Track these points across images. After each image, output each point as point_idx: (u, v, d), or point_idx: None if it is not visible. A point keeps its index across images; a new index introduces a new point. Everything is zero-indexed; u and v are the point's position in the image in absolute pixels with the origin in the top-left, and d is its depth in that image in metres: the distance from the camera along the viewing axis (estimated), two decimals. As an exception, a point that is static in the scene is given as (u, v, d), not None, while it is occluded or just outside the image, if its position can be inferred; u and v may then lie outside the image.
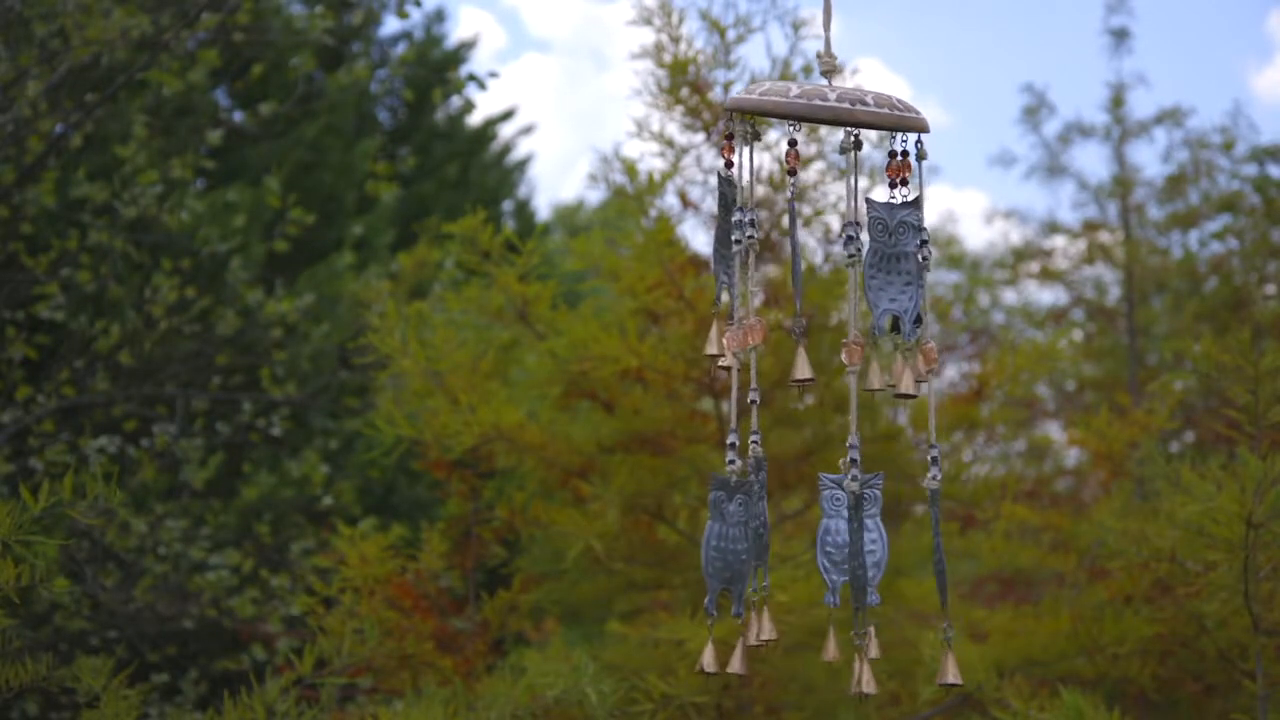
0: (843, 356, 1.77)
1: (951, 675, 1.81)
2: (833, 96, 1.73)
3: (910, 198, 1.80)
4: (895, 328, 1.80)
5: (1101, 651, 3.66)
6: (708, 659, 1.80)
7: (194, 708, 5.46)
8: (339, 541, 3.97)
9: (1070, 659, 3.75)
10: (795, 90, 1.73)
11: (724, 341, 1.77)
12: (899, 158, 1.81)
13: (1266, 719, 3.08)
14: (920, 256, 1.81)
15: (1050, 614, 3.91)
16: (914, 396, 1.78)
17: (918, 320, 1.79)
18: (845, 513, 1.78)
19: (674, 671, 3.60)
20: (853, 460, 1.79)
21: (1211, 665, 3.65)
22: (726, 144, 1.79)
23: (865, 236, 1.81)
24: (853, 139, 1.80)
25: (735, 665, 1.80)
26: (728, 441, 1.79)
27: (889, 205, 1.80)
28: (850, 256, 1.78)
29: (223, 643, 5.95)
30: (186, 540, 5.78)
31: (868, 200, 1.80)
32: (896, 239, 1.80)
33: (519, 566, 4.20)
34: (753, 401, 1.79)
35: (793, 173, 1.81)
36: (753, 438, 1.79)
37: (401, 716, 3.19)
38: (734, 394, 1.80)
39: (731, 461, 1.79)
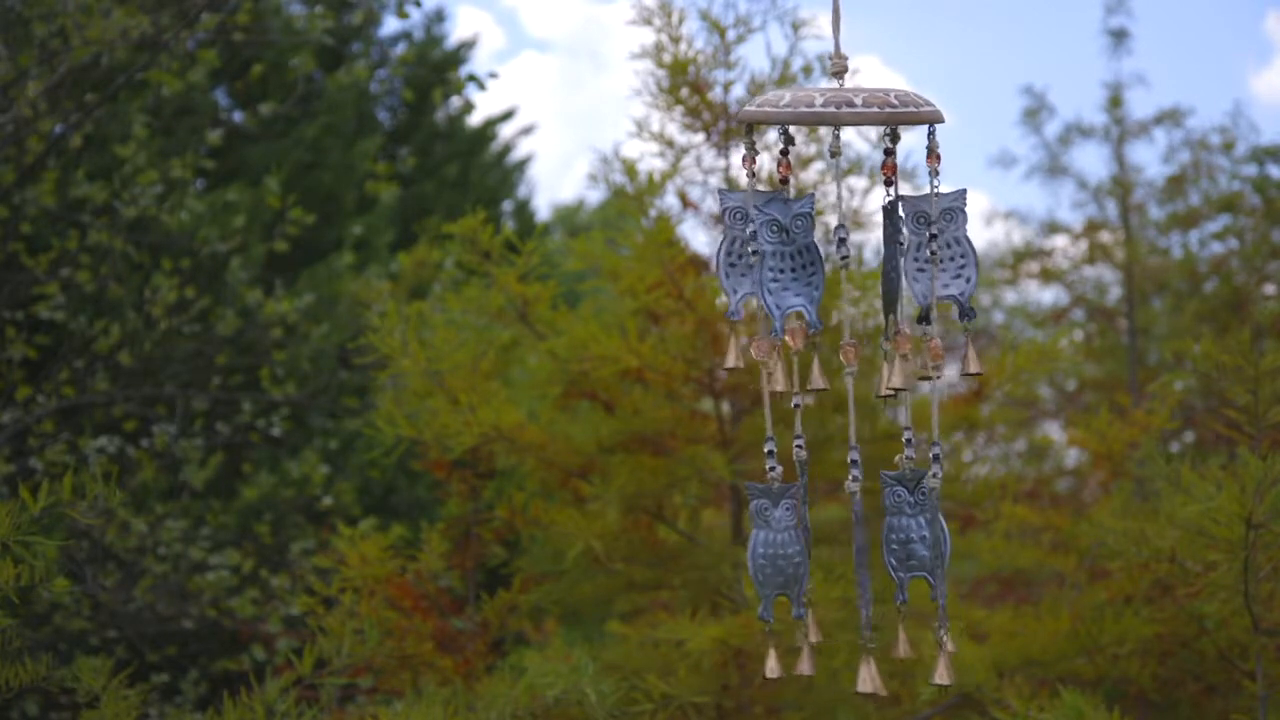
0: (840, 357, 1.79)
1: (939, 676, 1.82)
2: (819, 101, 1.75)
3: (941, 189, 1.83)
4: (925, 318, 1.82)
5: (1101, 651, 3.66)
6: (771, 666, 1.80)
7: (194, 708, 5.46)
8: (339, 541, 3.97)
9: (1070, 659, 3.75)
10: (786, 98, 1.76)
11: (752, 351, 1.78)
12: (891, 156, 1.83)
13: (1266, 719, 3.08)
14: (930, 250, 1.82)
15: (1050, 614, 3.91)
16: (901, 390, 1.79)
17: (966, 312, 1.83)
18: (909, 509, 1.80)
19: (674, 671, 3.60)
20: (852, 461, 1.80)
21: (1211, 665, 3.64)
22: (748, 157, 1.80)
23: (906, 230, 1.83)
24: (832, 145, 1.81)
25: (804, 667, 1.80)
26: (766, 449, 1.80)
27: (926, 198, 1.83)
28: (843, 259, 1.79)
29: (223, 643, 5.94)
30: (186, 540, 5.77)
31: (903, 196, 1.84)
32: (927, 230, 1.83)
33: (519, 566, 4.20)
34: (796, 406, 1.80)
35: (785, 181, 1.82)
36: (796, 442, 1.80)
37: (401, 716, 3.19)
38: (766, 400, 1.81)
39: (772, 469, 1.79)
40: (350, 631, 3.18)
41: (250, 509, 6.36)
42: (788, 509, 1.79)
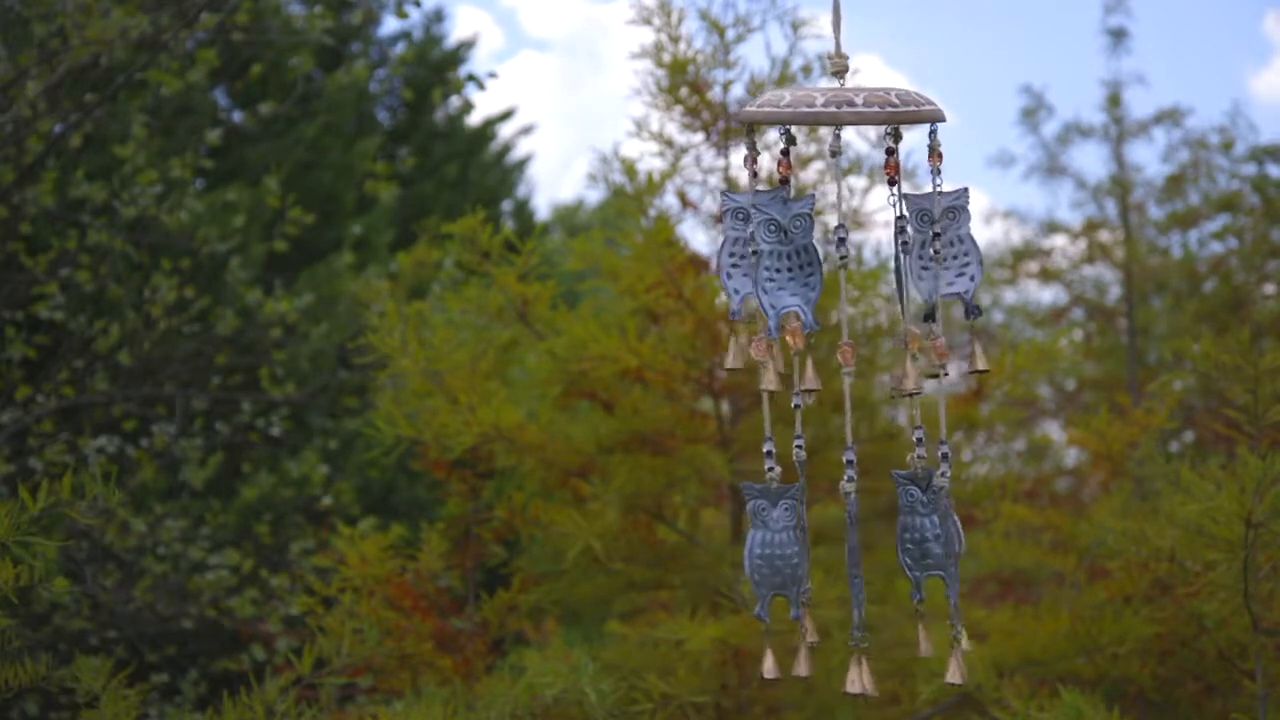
0: (838, 357, 1.79)
1: (951, 674, 1.82)
2: (820, 101, 1.75)
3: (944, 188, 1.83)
4: (930, 316, 1.82)
5: (1101, 651, 3.66)
6: (769, 666, 1.80)
7: (194, 708, 5.46)
8: (339, 541, 3.97)
9: (1070, 659, 3.75)
10: (787, 98, 1.76)
11: (751, 351, 1.78)
12: (894, 155, 1.83)
13: (1266, 719, 3.08)
14: (933, 249, 1.82)
15: (1050, 614, 3.91)
16: (918, 393, 1.79)
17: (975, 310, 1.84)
18: (922, 509, 1.80)
19: (673, 671, 3.60)
20: (848, 461, 1.79)
21: (1211, 665, 3.64)
22: (749, 157, 1.80)
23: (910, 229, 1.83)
24: (832, 145, 1.81)
25: (800, 669, 1.80)
26: (764, 449, 1.80)
27: (929, 196, 1.83)
28: (842, 259, 1.79)
29: (222, 643, 5.94)
30: (186, 540, 5.77)
31: (905, 195, 1.84)
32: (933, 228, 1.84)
33: (519, 566, 4.19)
34: (796, 406, 1.80)
35: (785, 181, 1.82)
36: (796, 442, 1.79)
37: (401, 716, 3.19)
38: (765, 401, 1.80)
39: (770, 469, 1.79)
40: (350, 631, 3.18)
41: (250, 509, 6.36)
42: (786, 509, 1.79)
